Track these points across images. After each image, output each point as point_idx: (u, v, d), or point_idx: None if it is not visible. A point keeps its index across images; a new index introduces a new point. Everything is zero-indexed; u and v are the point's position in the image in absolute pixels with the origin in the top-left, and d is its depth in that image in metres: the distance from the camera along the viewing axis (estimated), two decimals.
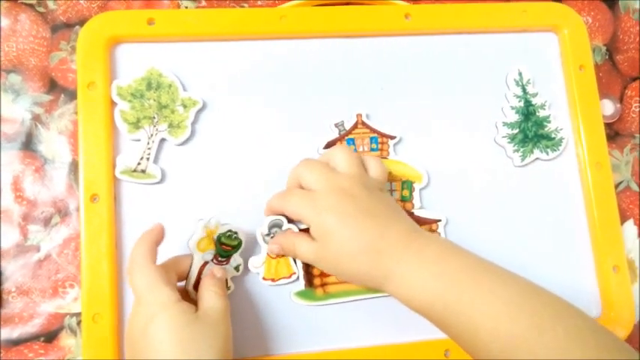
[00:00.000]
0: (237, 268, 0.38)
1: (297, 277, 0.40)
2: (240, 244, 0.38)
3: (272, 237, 0.39)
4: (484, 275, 0.33)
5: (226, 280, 0.38)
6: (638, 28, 0.51)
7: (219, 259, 0.37)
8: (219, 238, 0.37)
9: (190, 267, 0.36)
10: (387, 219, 0.35)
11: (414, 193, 0.42)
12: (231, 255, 0.38)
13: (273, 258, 0.39)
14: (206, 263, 0.37)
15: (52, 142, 0.41)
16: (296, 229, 0.39)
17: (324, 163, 0.38)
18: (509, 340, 0.30)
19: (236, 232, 0.37)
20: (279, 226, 0.39)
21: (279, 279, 0.39)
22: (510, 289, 0.32)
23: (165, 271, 0.34)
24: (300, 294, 0.40)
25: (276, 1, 0.46)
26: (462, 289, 0.32)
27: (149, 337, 0.31)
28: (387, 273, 0.34)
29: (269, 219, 0.39)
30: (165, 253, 0.39)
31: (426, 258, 0.34)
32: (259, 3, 0.46)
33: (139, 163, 0.39)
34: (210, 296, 0.34)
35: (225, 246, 0.37)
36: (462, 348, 0.33)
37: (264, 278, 0.39)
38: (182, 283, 0.36)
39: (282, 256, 0.39)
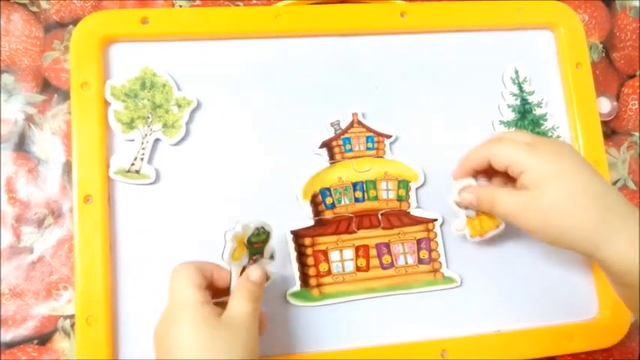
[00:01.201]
0: (272, 257, 0.36)
1: (504, 227, 0.40)
2: (269, 235, 0.36)
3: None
4: None
5: (265, 273, 0.36)
6: (634, 25, 0.50)
7: (253, 257, 0.36)
8: (249, 240, 0.35)
9: (230, 279, 0.35)
10: (604, 178, 0.34)
11: (410, 193, 0.42)
12: (262, 250, 0.36)
13: (474, 218, 0.40)
14: (244, 268, 0.35)
15: (46, 143, 0.41)
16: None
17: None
18: None
19: (262, 227, 0.36)
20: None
21: (487, 232, 0.40)
22: None
23: (198, 274, 0.33)
24: (296, 295, 0.39)
25: (271, 0, 0.45)
26: None
27: (172, 336, 0.31)
28: (610, 234, 0.32)
29: (458, 184, 0.39)
30: (160, 254, 0.38)
31: None
32: (254, 2, 0.46)
33: (132, 164, 0.39)
34: (237, 300, 0.33)
35: (256, 244, 0.35)
36: None
37: (471, 236, 0.40)
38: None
39: (478, 215, 0.39)
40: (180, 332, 0.31)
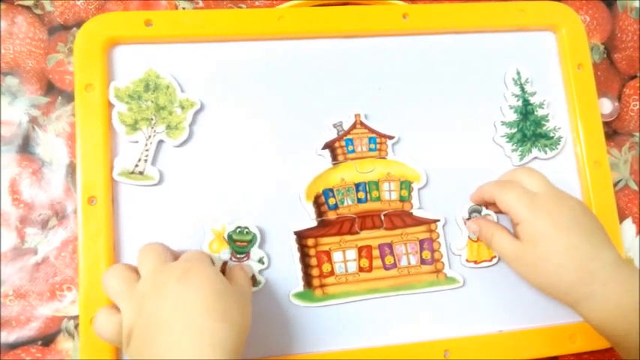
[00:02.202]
0: (261, 261, 0.39)
1: (498, 261, 0.42)
2: (254, 237, 0.39)
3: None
4: None
5: (254, 276, 0.39)
6: (636, 26, 0.51)
7: (237, 256, 0.38)
8: (229, 236, 0.38)
9: None
10: (600, 240, 0.36)
11: (412, 193, 0.42)
12: (247, 250, 0.38)
13: (474, 241, 0.42)
14: (225, 263, 0.38)
15: (50, 145, 0.41)
16: (495, 218, 0.42)
17: (542, 174, 0.40)
18: None
19: (247, 227, 0.38)
20: (479, 212, 0.42)
21: (482, 262, 0.42)
22: None
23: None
24: (299, 295, 0.40)
25: (274, 2, 0.46)
26: None
27: (186, 284, 0.31)
28: (589, 294, 0.34)
29: (469, 204, 0.42)
30: None
31: (633, 288, 0.34)
32: (257, 3, 0.46)
33: (136, 165, 0.39)
34: (240, 276, 0.36)
35: (239, 242, 0.38)
36: None
37: (467, 260, 0.42)
38: None
39: (479, 241, 0.42)
40: (194, 279, 0.31)
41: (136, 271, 0.34)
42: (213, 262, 0.37)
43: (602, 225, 0.38)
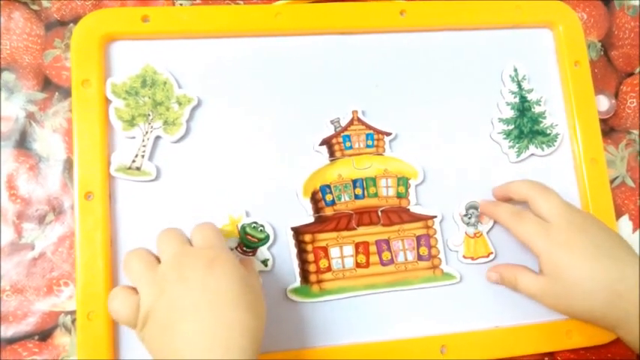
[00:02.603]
0: (265, 263, 0.39)
1: (494, 257, 0.42)
2: (267, 238, 0.39)
3: (469, 218, 0.42)
4: None
5: None
6: (633, 24, 0.51)
7: (244, 248, 0.38)
8: (243, 227, 0.38)
9: None
10: (625, 260, 0.35)
11: (409, 190, 0.42)
12: (257, 247, 0.39)
13: (471, 237, 0.42)
14: (230, 250, 0.38)
15: (47, 140, 0.41)
16: (490, 222, 0.42)
17: (556, 193, 0.39)
18: None
19: (262, 226, 0.39)
20: (476, 207, 0.42)
21: (478, 257, 0.42)
22: None
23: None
24: (296, 291, 0.40)
25: None
26: None
27: (213, 272, 0.31)
28: (624, 316, 0.34)
29: (467, 201, 0.42)
30: None
31: None
32: (254, 0, 0.46)
33: (133, 161, 0.39)
34: (253, 266, 0.37)
35: (251, 237, 0.38)
36: None
37: (464, 256, 0.42)
38: None
39: (481, 236, 0.42)
40: (224, 266, 0.31)
41: (157, 257, 0.34)
42: None
43: (617, 235, 0.38)
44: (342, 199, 0.41)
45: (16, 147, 0.41)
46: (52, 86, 0.42)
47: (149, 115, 0.40)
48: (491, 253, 0.42)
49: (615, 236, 0.38)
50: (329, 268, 0.40)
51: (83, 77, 0.39)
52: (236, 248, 0.39)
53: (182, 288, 0.31)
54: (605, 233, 0.37)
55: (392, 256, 0.41)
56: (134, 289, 0.32)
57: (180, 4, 0.45)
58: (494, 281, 0.41)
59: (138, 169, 0.39)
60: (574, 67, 0.46)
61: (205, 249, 0.33)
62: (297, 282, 0.40)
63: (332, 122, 0.42)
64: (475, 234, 0.42)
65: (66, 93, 0.42)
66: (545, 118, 0.45)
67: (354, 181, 0.42)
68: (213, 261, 0.32)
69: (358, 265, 0.41)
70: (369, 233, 0.41)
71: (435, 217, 0.42)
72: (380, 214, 0.42)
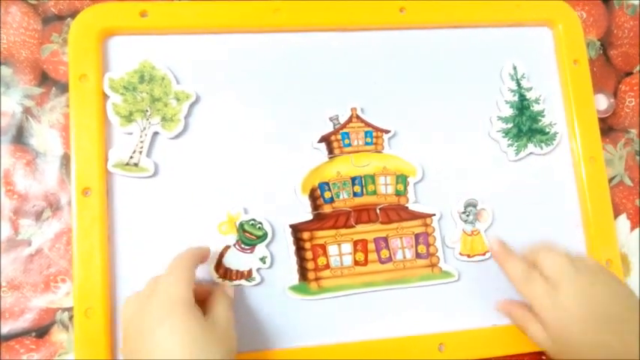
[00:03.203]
0: (263, 260, 0.39)
1: (490, 256, 0.41)
2: (265, 235, 0.39)
3: (467, 215, 0.42)
4: None
5: (251, 270, 0.39)
6: (632, 23, 0.51)
7: (242, 245, 0.38)
8: (241, 224, 0.39)
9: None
10: (630, 329, 0.35)
11: (408, 187, 0.42)
12: (255, 244, 0.39)
13: (468, 235, 0.42)
14: (228, 247, 0.38)
15: (44, 136, 0.41)
16: (490, 213, 0.42)
17: (565, 255, 0.37)
18: None
19: (260, 223, 0.39)
20: (474, 205, 0.42)
21: (475, 255, 0.42)
22: None
23: (193, 272, 0.34)
24: (295, 288, 0.40)
25: None
26: None
27: (159, 335, 0.31)
28: None
29: (465, 198, 0.42)
30: (158, 247, 0.38)
31: None
32: None
33: (131, 157, 0.39)
34: (221, 308, 0.34)
35: (249, 234, 0.39)
36: None
37: (460, 253, 0.42)
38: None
39: (478, 234, 0.42)
40: (170, 332, 0.30)
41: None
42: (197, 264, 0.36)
43: (624, 292, 0.36)
44: (341, 197, 0.41)
45: (12, 142, 0.40)
46: (49, 81, 0.42)
47: (147, 110, 0.39)
48: (488, 251, 0.42)
49: (622, 295, 0.36)
50: (327, 266, 0.40)
51: (81, 72, 0.39)
52: (234, 245, 0.38)
53: (139, 336, 0.32)
54: (611, 293, 0.36)
55: (390, 253, 0.41)
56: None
57: (179, 0, 0.44)
58: (503, 314, 0.40)
59: (135, 165, 0.39)
60: (573, 66, 0.46)
61: (158, 301, 0.32)
62: (295, 279, 0.40)
63: (331, 119, 0.42)
64: (472, 232, 0.42)
65: (63, 88, 0.41)
66: (544, 116, 0.45)
67: (353, 179, 0.42)
68: (163, 320, 0.31)
69: (356, 262, 0.41)
70: (367, 231, 0.41)
71: (434, 215, 0.42)
72: (378, 211, 0.42)
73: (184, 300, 0.32)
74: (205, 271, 0.39)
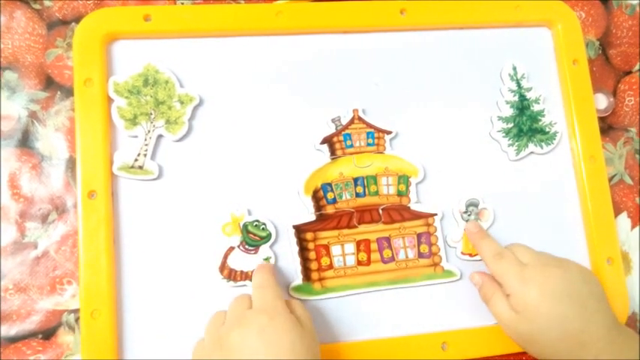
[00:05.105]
0: (267, 261, 0.39)
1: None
2: (269, 236, 0.39)
3: (469, 215, 0.42)
4: None
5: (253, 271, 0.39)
6: (630, 22, 0.51)
7: (246, 246, 0.38)
8: (245, 225, 0.39)
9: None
10: (592, 309, 0.36)
11: (410, 188, 0.43)
12: (259, 245, 0.39)
13: None
14: (232, 248, 0.39)
15: (49, 139, 0.41)
16: (491, 212, 0.43)
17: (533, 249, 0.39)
18: None
19: (264, 224, 0.39)
20: (476, 205, 0.43)
21: (476, 254, 0.42)
22: None
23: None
24: (298, 288, 0.40)
25: None
26: None
27: (266, 335, 0.32)
28: None
29: (467, 198, 0.43)
30: (163, 248, 0.39)
31: (628, 357, 0.34)
32: None
33: (136, 160, 0.39)
34: (299, 308, 0.36)
35: (253, 235, 0.39)
36: None
37: (462, 253, 0.42)
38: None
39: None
40: (275, 331, 0.32)
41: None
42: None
43: (599, 289, 0.38)
44: (344, 197, 0.42)
45: (18, 146, 0.41)
46: (54, 85, 0.42)
47: (151, 114, 0.40)
48: None
49: (592, 286, 0.38)
50: (330, 266, 0.41)
51: (85, 76, 0.39)
52: (238, 246, 0.39)
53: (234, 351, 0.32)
54: (580, 282, 0.37)
55: (393, 253, 0.42)
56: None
57: (182, 3, 0.45)
58: (474, 282, 0.40)
59: (140, 167, 0.39)
60: (572, 66, 0.46)
61: (260, 314, 0.33)
62: (299, 280, 0.40)
63: (333, 121, 0.43)
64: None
65: (68, 92, 0.42)
66: (544, 116, 0.45)
67: (355, 180, 0.42)
68: (264, 329, 0.32)
69: (359, 262, 0.41)
70: (370, 231, 0.42)
71: (436, 214, 0.42)
72: (381, 212, 0.42)
73: (282, 312, 0.34)
74: (209, 273, 0.39)
